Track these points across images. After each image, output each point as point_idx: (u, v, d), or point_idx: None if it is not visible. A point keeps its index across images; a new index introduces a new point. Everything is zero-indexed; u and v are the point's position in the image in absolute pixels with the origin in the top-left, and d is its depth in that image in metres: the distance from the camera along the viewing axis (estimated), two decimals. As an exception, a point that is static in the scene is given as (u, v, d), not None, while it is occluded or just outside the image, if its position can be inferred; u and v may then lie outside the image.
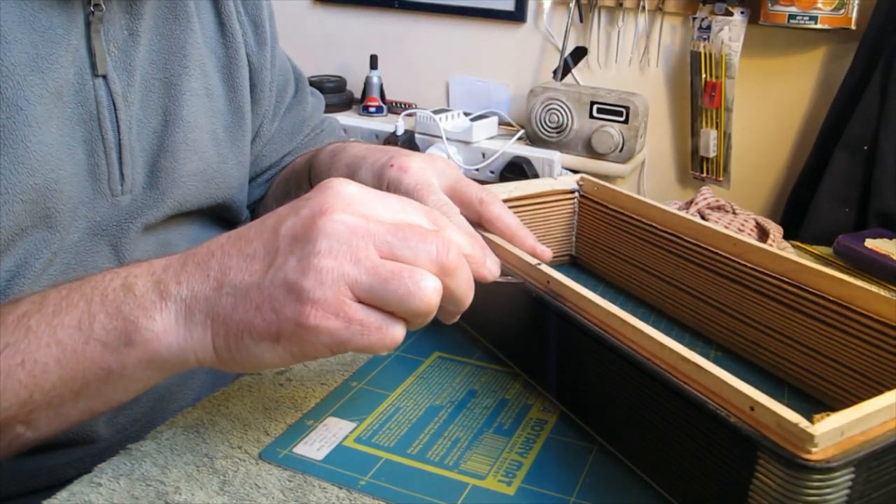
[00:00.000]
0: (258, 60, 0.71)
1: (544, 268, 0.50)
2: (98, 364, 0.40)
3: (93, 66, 0.55)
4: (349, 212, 0.39)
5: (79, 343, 0.40)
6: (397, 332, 0.40)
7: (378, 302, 0.39)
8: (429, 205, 0.52)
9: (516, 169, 1.57)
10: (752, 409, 0.36)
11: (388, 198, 0.42)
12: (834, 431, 0.34)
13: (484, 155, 1.62)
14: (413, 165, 0.55)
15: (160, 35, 0.62)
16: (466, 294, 0.42)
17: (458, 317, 0.45)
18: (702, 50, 1.59)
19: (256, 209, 0.81)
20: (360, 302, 0.38)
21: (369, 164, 0.57)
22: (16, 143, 0.50)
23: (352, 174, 0.58)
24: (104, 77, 0.56)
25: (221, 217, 0.71)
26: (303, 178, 0.70)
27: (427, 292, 0.39)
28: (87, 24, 0.55)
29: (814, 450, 0.33)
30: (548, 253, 0.55)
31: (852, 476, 0.34)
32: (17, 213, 0.51)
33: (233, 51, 0.68)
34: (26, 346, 0.39)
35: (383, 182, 0.55)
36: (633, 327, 0.43)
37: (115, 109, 0.57)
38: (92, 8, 0.55)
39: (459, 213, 0.53)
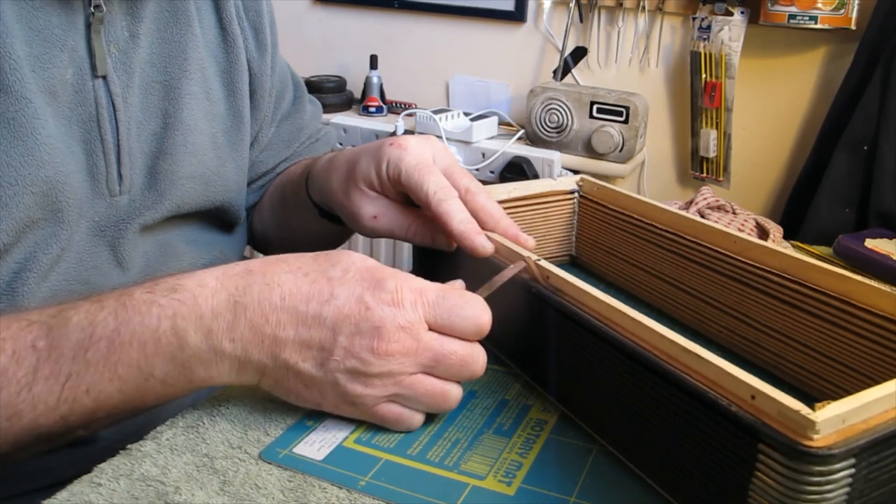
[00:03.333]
0: (258, 66, 0.71)
1: (544, 263, 0.50)
2: (157, 393, 0.45)
3: (93, 66, 0.55)
4: (403, 339, 0.43)
5: (139, 380, 0.44)
6: (415, 422, 0.47)
7: (407, 405, 0.46)
8: (429, 186, 0.54)
9: (516, 169, 1.57)
10: (753, 397, 0.36)
11: (438, 321, 0.45)
12: (836, 419, 0.34)
13: (484, 155, 1.62)
14: (411, 144, 0.56)
15: (161, 38, 0.62)
16: None
17: None
18: (702, 50, 1.59)
19: (250, 215, 0.81)
20: (390, 401, 0.45)
21: (366, 150, 0.59)
22: (26, 135, 0.51)
23: (351, 168, 0.58)
24: (104, 78, 0.56)
25: (219, 219, 0.71)
26: (299, 187, 0.70)
27: (453, 404, 0.46)
28: (88, 25, 0.55)
29: (815, 437, 0.33)
30: (531, 240, 0.57)
31: (853, 469, 0.34)
32: (28, 204, 0.51)
33: (233, 56, 0.68)
34: (90, 378, 0.43)
35: (383, 159, 0.56)
36: (633, 319, 0.43)
37: (115, 110, 0.57)
38: (92, 9, 0.55)
39: (457, 196, 0.55)
